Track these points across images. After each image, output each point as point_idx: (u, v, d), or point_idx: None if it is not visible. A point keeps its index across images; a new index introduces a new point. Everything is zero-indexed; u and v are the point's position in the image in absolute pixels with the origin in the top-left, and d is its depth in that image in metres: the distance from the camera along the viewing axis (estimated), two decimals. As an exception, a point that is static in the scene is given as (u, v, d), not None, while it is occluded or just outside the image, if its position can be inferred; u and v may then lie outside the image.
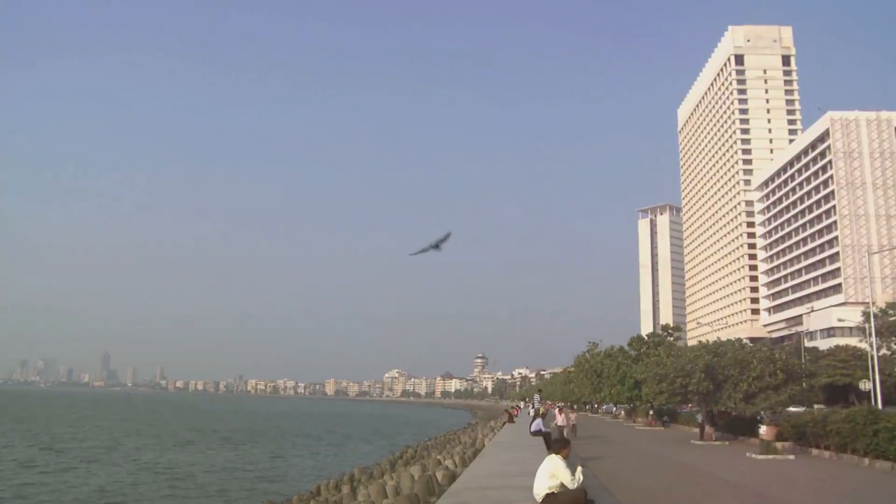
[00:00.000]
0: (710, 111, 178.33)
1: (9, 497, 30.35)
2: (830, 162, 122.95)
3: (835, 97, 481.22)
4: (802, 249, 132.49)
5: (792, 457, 24.16)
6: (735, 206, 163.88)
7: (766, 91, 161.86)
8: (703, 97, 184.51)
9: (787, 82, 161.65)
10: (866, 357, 55.26)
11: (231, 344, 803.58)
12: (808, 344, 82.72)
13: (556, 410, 39.56)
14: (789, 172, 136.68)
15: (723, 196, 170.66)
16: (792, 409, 37.32)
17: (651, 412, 48.60)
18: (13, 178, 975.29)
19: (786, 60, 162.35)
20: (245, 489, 33.93)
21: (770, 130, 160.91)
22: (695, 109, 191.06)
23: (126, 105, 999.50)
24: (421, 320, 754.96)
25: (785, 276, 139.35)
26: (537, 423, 28.26)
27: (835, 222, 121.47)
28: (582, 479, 10.26)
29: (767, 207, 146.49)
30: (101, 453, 50.12)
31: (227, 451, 55.03)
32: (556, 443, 11.09)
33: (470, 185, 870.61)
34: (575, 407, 75.54)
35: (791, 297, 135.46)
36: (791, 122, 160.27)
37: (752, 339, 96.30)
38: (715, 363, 32.28)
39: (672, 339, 56.20)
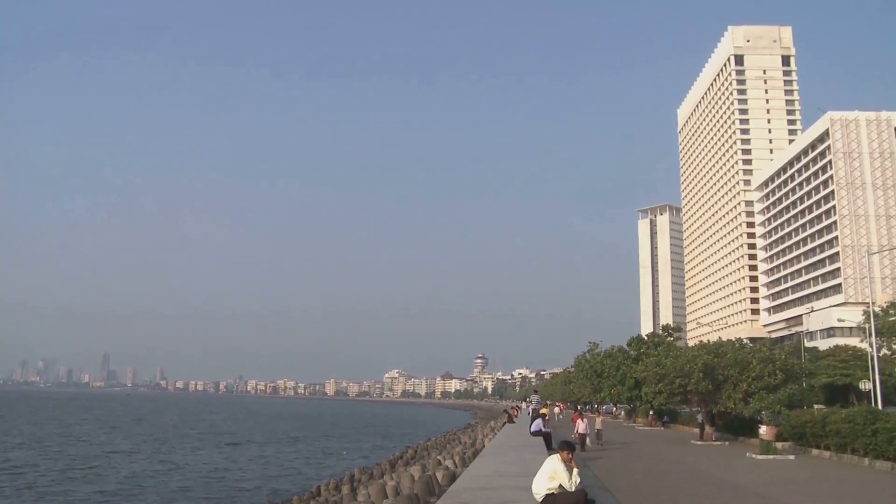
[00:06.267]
0: (710, 111, 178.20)
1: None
2: (830, 162, 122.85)
3: (835, 97, 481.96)
4: (802, 249, 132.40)
5: (792, 457, 24.15)
6: (735, 206, 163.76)
7: (766, 91, 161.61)
8: (702, 97, 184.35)
9: (786, 82, 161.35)
10: (866, 357, 55.13)
11: (231, 344, 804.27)
12: (807, 344, 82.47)
13: (576, 416, 32.70)
14: (789, 173, 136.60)
15: (723, 196, 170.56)
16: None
17: (651, 412, 48.52)
18: (14, 179, 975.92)
19: (786, 61, 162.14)
20: (245, 489, 33.93)
21: (770, 131, 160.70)
22: (695, 110, 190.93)
23: (126, 104, 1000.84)
24: (421, 320, 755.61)
25: (785, 276, 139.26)
26: (537, 424, 28.17)
27: (835, 222, 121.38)
28: (579, 480, 10.27)
29: (767, 207, 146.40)
30: (114, 458, 50.12)
31: (229, 452, 55.02)
32: (560, 444, 11.05)
33: (470, 184, 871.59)
34: (600, 409, 67.53)
35: (791, 297, 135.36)
36: (791, 122, 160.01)
37: (752, 339, 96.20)
38: (715, 363, 32.23)
39: (672, 339, 56.08)
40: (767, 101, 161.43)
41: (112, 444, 58.71)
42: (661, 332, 61.35)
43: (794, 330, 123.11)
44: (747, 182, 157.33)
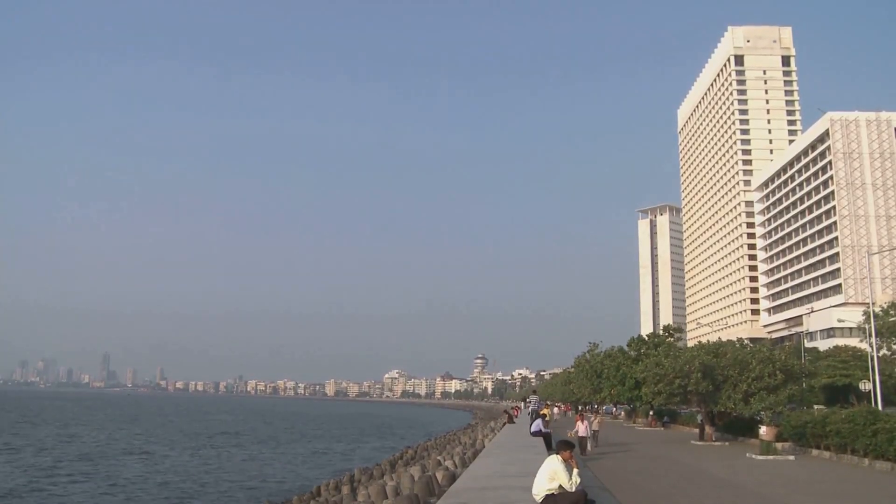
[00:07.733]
0: (710, 112, 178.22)
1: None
2: (830, 162, 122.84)
3: (835, 97, 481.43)
4: (802, 250, 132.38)
5: (792, 457, 24.15)
6: (735, 207, 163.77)
7: (766, 92, 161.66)
8: (702, 98, 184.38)
9: (786, 83, 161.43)
10: (866, 357, 55.12)
11: (231, 344, 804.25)
12: (808, 344, 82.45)
13: (578, 418, 30.75)
14: (789, 173, 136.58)
15: (723, 196, 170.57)
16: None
17: (651, 413, 48.47)
18: (15, 179, 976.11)
19: (785, 61, 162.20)
20: (246, 489, 33.93)
21: (770, 131, 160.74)
22: (695, 110, 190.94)
23: (126, 105, 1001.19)
24: (421, 320, 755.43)
25: (785, 277, 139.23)
26: (537, 424, 28.19)
27: (835, 223, 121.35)
28: (579, 480, 10.26)
29: (767, 208, 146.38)
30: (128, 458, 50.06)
31: (231, 451, 55.00)
32: (559, 444, 11.05)
33: (470, 185, 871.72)
34: (600, 410, 63.03)
35: (791, 297, 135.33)
36: (791, 122, 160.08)
37: (752, 340, 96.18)
38: (714, 363, 32.21)
39: (672, 339, 55.97)
40: (767, 101, 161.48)
41: (116, 445, 58.69)
42: (661, 332, 61.23)
43: (794, 330, 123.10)
44: (747, 182, 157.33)
